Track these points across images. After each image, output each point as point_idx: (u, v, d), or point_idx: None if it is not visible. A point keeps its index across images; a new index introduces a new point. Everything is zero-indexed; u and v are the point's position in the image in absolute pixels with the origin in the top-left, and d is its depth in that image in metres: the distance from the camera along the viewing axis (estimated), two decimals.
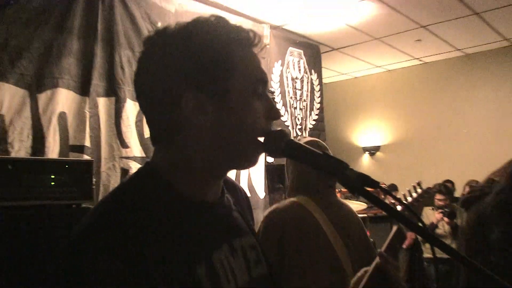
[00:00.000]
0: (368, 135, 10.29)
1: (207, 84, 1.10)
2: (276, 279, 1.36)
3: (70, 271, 0.96)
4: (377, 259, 1.52)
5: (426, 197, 2.04)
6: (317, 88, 7.30)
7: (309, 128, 7.04)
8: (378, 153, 10.26)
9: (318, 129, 7.23)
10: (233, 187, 1.43)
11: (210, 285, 1.06)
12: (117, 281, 0.92)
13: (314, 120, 7.18)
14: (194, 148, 1.14)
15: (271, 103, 1.19)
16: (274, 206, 2.88)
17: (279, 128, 1.18)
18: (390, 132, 10.02)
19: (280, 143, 1.13)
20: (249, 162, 1.20)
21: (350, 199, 6.47)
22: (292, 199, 2.81)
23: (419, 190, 2.03)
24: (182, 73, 1.11)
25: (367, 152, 10.36)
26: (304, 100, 7.03)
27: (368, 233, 5.93)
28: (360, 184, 1.04)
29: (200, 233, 1.13)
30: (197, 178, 1.17)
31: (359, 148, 10.41)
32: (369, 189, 1.05)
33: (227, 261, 1.15)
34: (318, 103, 7.32)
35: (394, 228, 1.70)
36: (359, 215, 4.61)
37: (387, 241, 1.63)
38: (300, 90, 6.96)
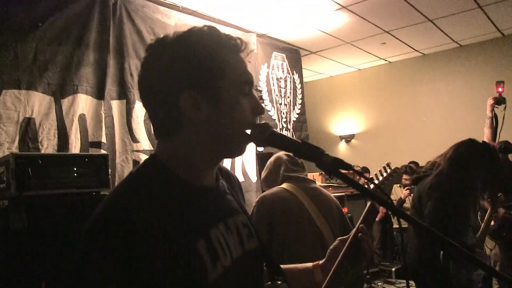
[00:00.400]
0: (344, 125, 10.24)
1: (201, 85, 1.10)
2: (266, 251, 1.36)
3: (84, 257, 0.98)
4: (355, 230, 1.50)
5: (394, 176, 2.02)
6: (298, 86, 7.29)
7: (293, 120, 7.04)
8: (353, 141, 10.22)
9: (301, 121, 7.23)
10: (227, 174, 1.41)
11: (209, 257, 1.06)
12: (123, 264, 0.93)
13: (297, 113, 7.18)
14: (192, 140, 1.13)
15: (256, 101, 1.19)
16: (264, 193, 2.95)
17: (264, 122, 1.19)
18: (363, 122, 10.00)
19: (264, 134, 1.13)
20: (238, 151, 1.20)
21: (330, 180, 6.50)
22: (279, 186, 2.89)
23: (388, 170, 2.03)
24: (180, 75, 1.10)
25: (343, 140, 10.28)
26: (288, 97, 7.03)
27: (346, 209, 5.94)
28: (335, 167, 1.04)
29: (198, 213, 1.12)
30: (195, 166, 1.16)
31: (336, 136, 10.39)
32: (344, 171, 1.04)
33: (223, 237, 1.14)
34: (300, 99, 7.31)
35: (368, 203, 1.65)
36: (339, 194, 4.62)
37: (362, 215, 1.59)
38: (284, 88, 6.95)
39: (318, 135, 9.79)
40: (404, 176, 7.04)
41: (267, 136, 1.13)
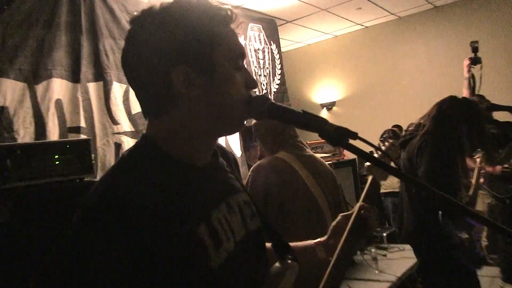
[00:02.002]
0: (324, 93, 10.23)
1: (194, 59, 1.05)
2: (271, 229, 1.33)
3: (80, 246, 0.91)
4: (358, 207, 1.48)
5: (392, 149, 1.97)
6: (277, 56, 7.21)
7: (273, 91, 6.97)
8: (334, 108, 10.23)
9: (281, 91, 7.17)
10: (223, 151, 1.37)
11: (211, 242, 1.02)
12: (122, 253, 0.88)
13: (277, 84, 7.11)
14: (186, 118, 1.08)
15: (249, 74, 1.16)
16: (259, 161, 2.91)
17: (261, 94, 1.13)
18: (343, 89, 10.01)
19: (262, 106, 1.09)
20: (236, 127, 1.16)
21: (315, 150, 6.50)
22: (274, 155, 2.85)
23: (386, 144, 1.95)
24: (170, 50, 1.04)
25: (324, 108, 10.29)
26: (267, 68, 6.95)
27: None
28: (340, 136, 1.00)
29: (198, 195, 1.08)
30: (191, 145, 1.11)
31: (318, 104, 10.36)
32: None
33: (225, 218, 1.11)
34: (279, 69, 7.24)
35: (370, 178, 1.62)
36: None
37: (364, 191, 1.58)
38: (262, 59, 6.87)
39: (299, 104, 9.77)
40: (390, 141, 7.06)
41: (266, 108, 1.09)
